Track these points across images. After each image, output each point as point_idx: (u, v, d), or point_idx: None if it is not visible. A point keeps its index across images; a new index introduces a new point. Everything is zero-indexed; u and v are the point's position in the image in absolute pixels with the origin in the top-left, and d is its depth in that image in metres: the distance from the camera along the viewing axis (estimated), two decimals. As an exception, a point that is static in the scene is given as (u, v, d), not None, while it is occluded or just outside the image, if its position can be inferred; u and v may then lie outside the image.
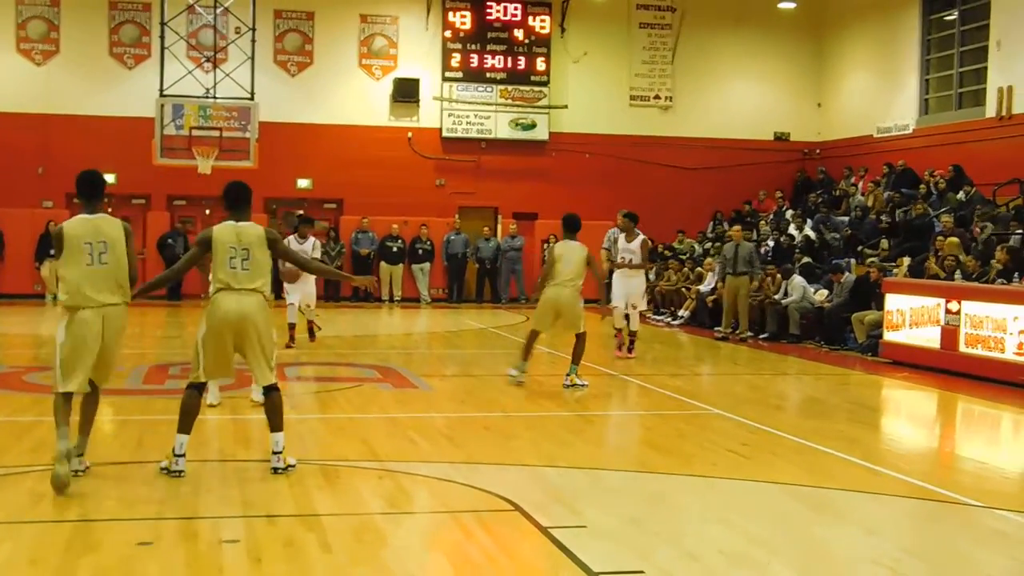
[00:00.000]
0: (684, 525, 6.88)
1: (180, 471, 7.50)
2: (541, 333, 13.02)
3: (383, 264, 26.67)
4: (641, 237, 15.95)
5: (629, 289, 16.08)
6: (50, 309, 23.74)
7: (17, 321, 21.20)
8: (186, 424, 7.59)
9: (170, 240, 25.54)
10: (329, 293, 26.08)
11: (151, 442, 8.83)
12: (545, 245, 27.40)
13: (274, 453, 7.75)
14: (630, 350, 16.31)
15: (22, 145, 25.46)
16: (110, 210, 8.41)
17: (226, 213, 7.95)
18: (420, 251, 27.00)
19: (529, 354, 12.80)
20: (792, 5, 28.67)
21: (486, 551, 6.22)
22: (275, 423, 7.76)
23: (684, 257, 24.85)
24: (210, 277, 8.08)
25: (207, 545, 6.12)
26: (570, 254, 12.55)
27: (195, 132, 22.92)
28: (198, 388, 7.78)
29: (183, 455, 7.54)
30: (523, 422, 10.53)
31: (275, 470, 7.69)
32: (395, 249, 26.79)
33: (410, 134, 27.54)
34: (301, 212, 21.31)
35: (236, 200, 7.94)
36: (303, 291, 15.54)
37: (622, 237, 16.10)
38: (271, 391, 7.81)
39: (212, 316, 7.65)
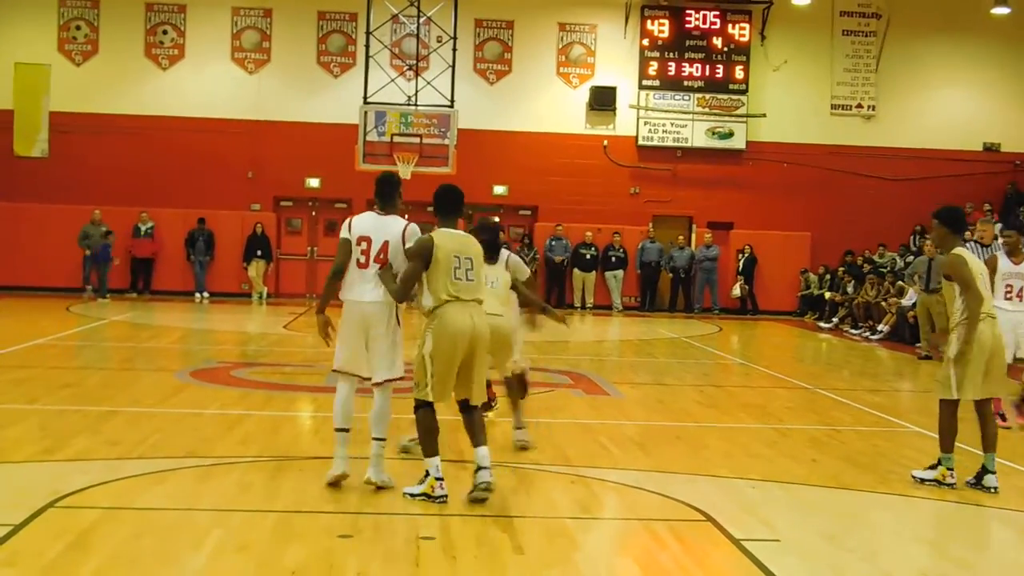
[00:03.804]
0: (881, 544, 6.70)
1: (443, 496, 6.98)
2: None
3: (576, 271, 26.79)
4: None
5: (1021, 329, 10.91)
6: (256, 307, 24.75)
7: (225, 318, 22.18)
8: (432, 446, 7.11)
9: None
10: (521, 300, 26.32)
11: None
12: (740, 255, 27.09)
13: (482, 468, 7.12)
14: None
15: (233, 150, 26.58)
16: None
17: (439, 219, 7.45)
18: (613, 259, 27.03)
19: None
20: (1007, 11, 27.47)
21: (677, 560, 6.20)
22: (481, 439, 7.23)
23: (884, 271, 24.18)
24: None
25: (404, 541, 6.28)
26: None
27: (396, 139, 23.49)
28: (429, 406, 7.16)
29: (442, 478, 7.05)
30: (715, 433, 10.45)
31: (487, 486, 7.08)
32: (588, 256, 26.88)
33: (606, 142, 27.60)
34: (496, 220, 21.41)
35: (455, 203, 7.50)
36: None
37: (1003, 258, 11.20)
38: (476, 408, 7.32)
39: (441, 331, 7.11)
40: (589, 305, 26.86)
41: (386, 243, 7.39)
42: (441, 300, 7.10)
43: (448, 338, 7.05)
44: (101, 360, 15.15)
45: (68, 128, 26.12)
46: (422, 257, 7.15)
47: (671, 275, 27.30)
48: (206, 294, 25.89)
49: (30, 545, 5.92)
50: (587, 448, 9.32)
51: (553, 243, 26.92)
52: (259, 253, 25.97)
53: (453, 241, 7.23)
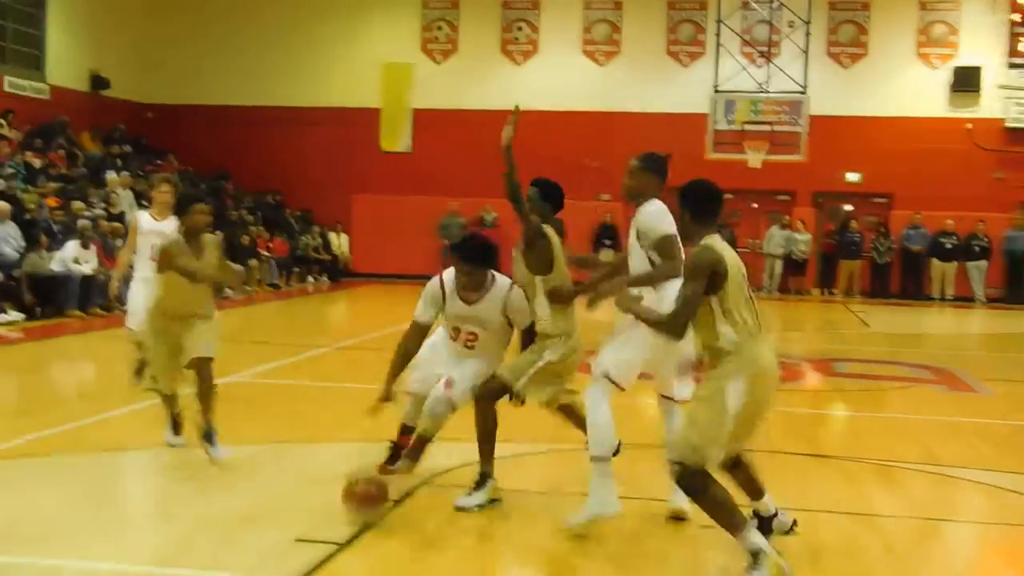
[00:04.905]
0: None
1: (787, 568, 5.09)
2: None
3: (934, 261, 25.55)
4: None
5: None
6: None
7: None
8: (738, 516, 5.24)
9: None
10: (875, 289, 25.53)
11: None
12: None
13: (775, 516, 5.83)
14: None
15: (583, 141, 27.04)
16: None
17: (696, 225, 5.63)
18: (976, 248, 25.56)
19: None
20: None
21: (1063, 571, 5.79)
22: (762, 486, 5.83)
23: None
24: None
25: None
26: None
27: (746, 127, 23.24)
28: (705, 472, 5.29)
29: (778, 552, 5.20)
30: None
31: None
32: (949, 246, 25.55)
33: (969, 125, 26.10)
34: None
35: (719, 203, 5.77)
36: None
37: None
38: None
39: (756, 378, 5.19)
40: (949, 297, 25.53)
41: None
42: (744, 333, 5.20)
43: (763, 388, 5.23)
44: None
45: (428, 124, 27.46)
46: (706, 277, 5.22)
47: (1041, 265, 25.54)
48: (556, 283, 26.45)
49: (407, 519, 6.25)
50: (954, 446, 8.84)
51: (911, 232, 25.78)
52: (608, 243, 26.26)
53: (733, 254, 5.37)
